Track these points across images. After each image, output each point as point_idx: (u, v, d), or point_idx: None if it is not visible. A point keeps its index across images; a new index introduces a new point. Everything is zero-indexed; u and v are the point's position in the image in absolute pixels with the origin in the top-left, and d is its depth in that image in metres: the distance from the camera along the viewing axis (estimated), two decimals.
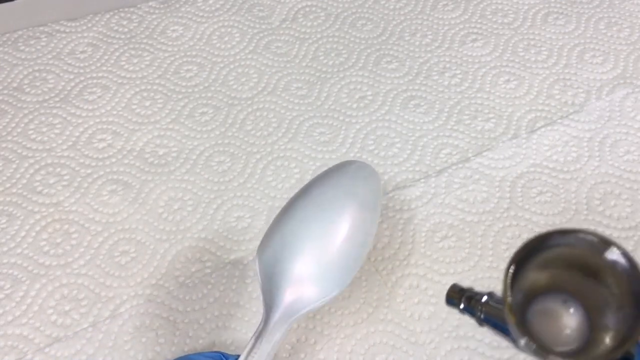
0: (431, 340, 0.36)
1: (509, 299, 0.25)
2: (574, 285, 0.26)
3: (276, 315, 0.32)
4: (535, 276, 0.26)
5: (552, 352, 0.24)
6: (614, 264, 0.25)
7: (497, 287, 0.37)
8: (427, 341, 0.36)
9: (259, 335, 0.31)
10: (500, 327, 0.29)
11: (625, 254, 0.25)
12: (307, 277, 0.32)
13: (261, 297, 0.32)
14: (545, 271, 0.27)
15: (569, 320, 0.27)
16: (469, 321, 0.32)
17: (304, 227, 0.33)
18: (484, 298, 0.30)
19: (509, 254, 0.39)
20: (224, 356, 0.34)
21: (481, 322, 0.30)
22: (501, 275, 0.38)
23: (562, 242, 0.26)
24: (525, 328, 0.26)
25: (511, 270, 0.26)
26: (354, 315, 0.37)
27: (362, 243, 0.34)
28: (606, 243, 0.25)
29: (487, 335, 0.36)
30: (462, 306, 0.32)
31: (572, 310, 0.27)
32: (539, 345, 0.24)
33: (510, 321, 0.25)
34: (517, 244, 0.39)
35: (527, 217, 0.40)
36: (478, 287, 0.38)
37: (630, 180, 0.42)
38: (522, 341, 0.25)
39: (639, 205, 0.41)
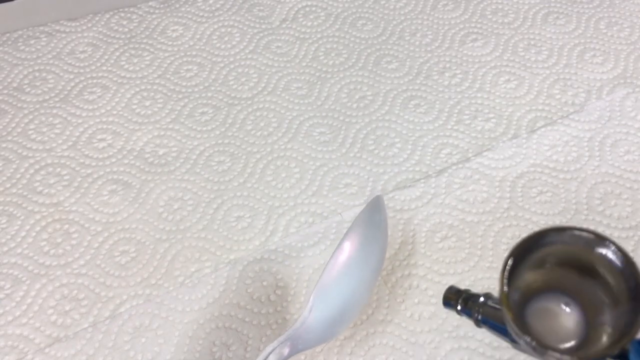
0: (431, 341, 0.36)
1: (505, 290, 0.25)
2: (570, 283, 0.26)
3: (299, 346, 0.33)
4: (531, 276, 0.26)
5: (551, 348, 0.24)
6: (609, 260, 0.25)
7: (497, 288, 0.37)
8: (427, 341, 0.36)
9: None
10: (498, 327, 0.29)
11: (619, 249, 0.25)
12: (331, 320, 0.34)
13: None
14: (541, 270, 0.27)
15: (566, 319, 0.27)
16: (469, 321, 0.32)
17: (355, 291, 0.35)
18: (481, 299, 0.30)
19: None
20: None
21: (479, 323, 0.30)
22: None
23: (557, 239, 0.26)
24: (523, 326, 0.26)
25: (509, 264, 0.25)
26: None
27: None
28: (601, 239, 0.25)
29: (487, 335, 0.36)
30: (459, 308, 0.31)
31: (569, 308, 0.27)
32: (538, 342, 0.24)
33: (508, 317, 0.25)
34: None
35: (527, 217, 0.40)
36: (478, 288, 0.38)
37: (630, 180, 0.42)
38: (521, 339, 0.25)
39: (639, 205, 0.41)
